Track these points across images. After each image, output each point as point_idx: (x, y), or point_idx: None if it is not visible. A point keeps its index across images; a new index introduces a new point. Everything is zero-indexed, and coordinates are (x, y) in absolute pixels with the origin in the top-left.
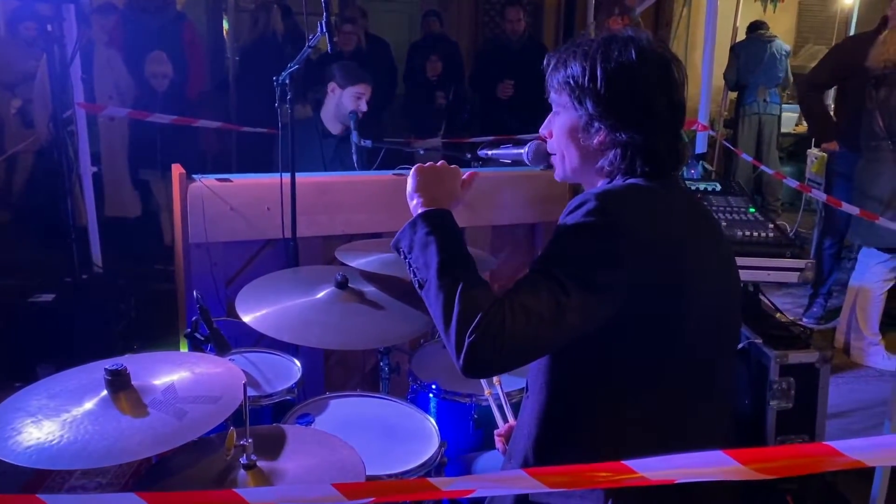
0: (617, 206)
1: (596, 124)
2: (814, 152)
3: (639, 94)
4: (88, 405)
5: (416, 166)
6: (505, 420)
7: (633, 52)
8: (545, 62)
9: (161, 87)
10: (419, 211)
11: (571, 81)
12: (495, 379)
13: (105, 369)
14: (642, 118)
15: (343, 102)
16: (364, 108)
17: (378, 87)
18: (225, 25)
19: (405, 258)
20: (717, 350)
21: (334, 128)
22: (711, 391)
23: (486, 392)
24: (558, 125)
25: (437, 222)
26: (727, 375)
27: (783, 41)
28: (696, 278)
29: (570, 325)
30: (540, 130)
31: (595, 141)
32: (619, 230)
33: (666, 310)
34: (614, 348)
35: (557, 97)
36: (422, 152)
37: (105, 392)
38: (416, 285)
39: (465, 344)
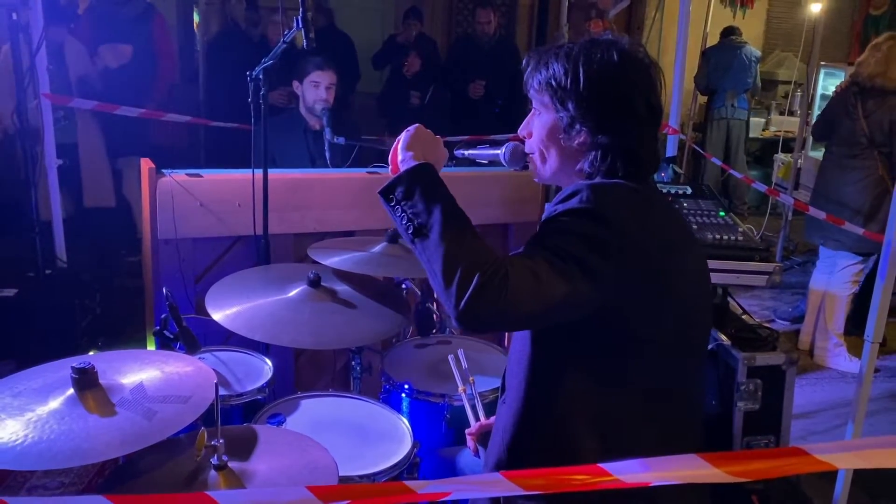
0: (608, 200)
1: (577, 126)
2: (781, 157)
3: (620, 97)
4: (54, 404)
5: (417, 125)
6: (477, 419)
7: (615, 55)
8: (524, 62)
9: (98, 66)
10: (419, 162)
11: (553, 82)
12: (470, 378)
13: (72, 367)
14: (623, 120)
15: (306, 95)
16: (323, 94)
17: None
18: (195, 18)
19: (399, 204)
20: (690, 351)
21: (313, 123)
22: (685, 391)
23: (460, 389)
24: (538, 126)
25: (438, 177)
26: (699, 376)
27: (752, 47)
28: (677, 279)
29: (562, 293)
30: (519, 131)
31: (576, 142)
32: (610, 224)
33: (646, 309)
34: (593, 344)
35: (538, 97)
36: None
37: (71, 391)
38: (410, 231)
39: (471, 288)
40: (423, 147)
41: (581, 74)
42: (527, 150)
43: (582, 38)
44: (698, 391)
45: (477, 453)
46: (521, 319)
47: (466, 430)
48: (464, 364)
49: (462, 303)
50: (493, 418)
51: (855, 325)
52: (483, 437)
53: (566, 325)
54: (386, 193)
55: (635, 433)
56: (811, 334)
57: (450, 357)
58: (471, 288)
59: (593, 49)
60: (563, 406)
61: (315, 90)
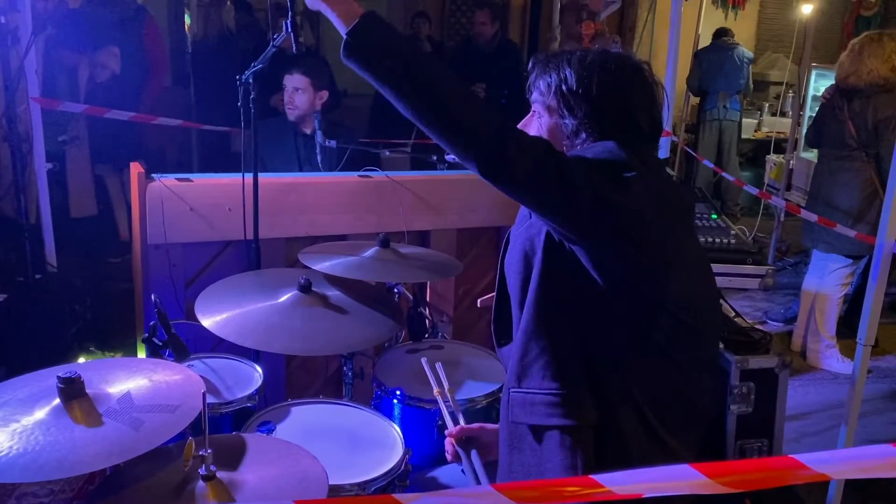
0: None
1: (582, 134)
2: (773, 158)
3: (629, 110)
4: (40, 414)
5: None
6: (455, 423)
7: (628, 67)
8: (531, 64)
9: (100, 78)
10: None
11: (564, 87)
12: (448, 388)
13: (58, 377)
14: (627, 131)
15: (298, 100)
16: (296, 98)
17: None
18: (187, 20)
19: (378, 57)
20: (703, 325)
21: (306, 126)
22: (702, 361)
23: (436, 392)
24: (542, 129)
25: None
26: (713, 355)
27: (744, 48)
28: (680, 263)
29: (578, 183)
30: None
31: (579, 148)
32: (630, 188)
33: (649, 286)
34: (598, 322)
35: (543, 100)
36: (387, 153)
37: (57, 401)
38: (397, 78)
39: (503, 134)
40: None
41: (595, 83)
42: None
43: (595, 46)
44: (712, 375)
45: (457, 459)
46: (535, 184)
47: (447, 432)
48: (440, 371)
49: (494, 146)
50: (476, 425)
51: (846, 326)
52: (465, 442)
53: (574, 302)
54: (362, 47)
55: (646, 414)
56: (803, 336)
57: (423, 360)
58: (502, 135)
59: (608, 59)
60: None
61: (292, 95)
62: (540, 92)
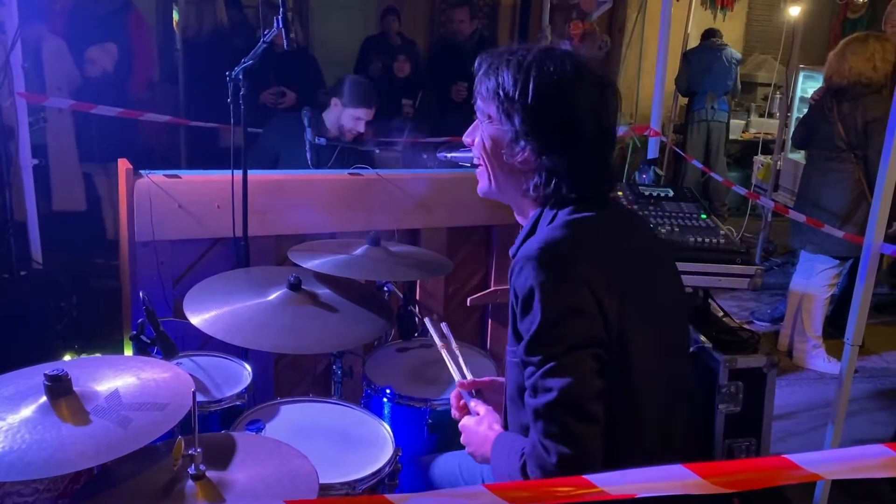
0: (559, 262)
1: (521, 142)
2: (760, 159)
3: (569, 115)
4: (26, 412)
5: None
6: (463, 375)
7: (569, 68)
8: (476, 65)
9: (92, 73)
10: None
11: (501, 93)
12: (453, 344)
13: (45, 374)
14: (568, 142)
15: (343, 121)
16: (361, 129)
17: (308, 88)
18: (175, 16)
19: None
20: (664, 354)
21: (337, 134)
22: (662, 402)
23: (440, 346)
24: (483, 136)
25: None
26: (680, 378)
27: (733, 49)
28: (650, 295)
29: (598, 383)
30: (463, 137)
31: (519, 159)
32: (570, 290)
33: (629, 326)
34: None
35: (484, 106)
36: (377, 151)
37: (44, 398)
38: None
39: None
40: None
41: (531, 86)
42: (473, 161)
43: (537, 44)
44: (682, 391)
45: (464, 411)
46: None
47: (458, 381)
48: (446, 330)
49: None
50: (487, 378)
51: (833, 326)
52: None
53: None
54: None
55: (628, 435)
56: (790, 336)
57: (426, 320)
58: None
59: (547, 60)
60: None
61: (356, 122)
62: (482, 97)
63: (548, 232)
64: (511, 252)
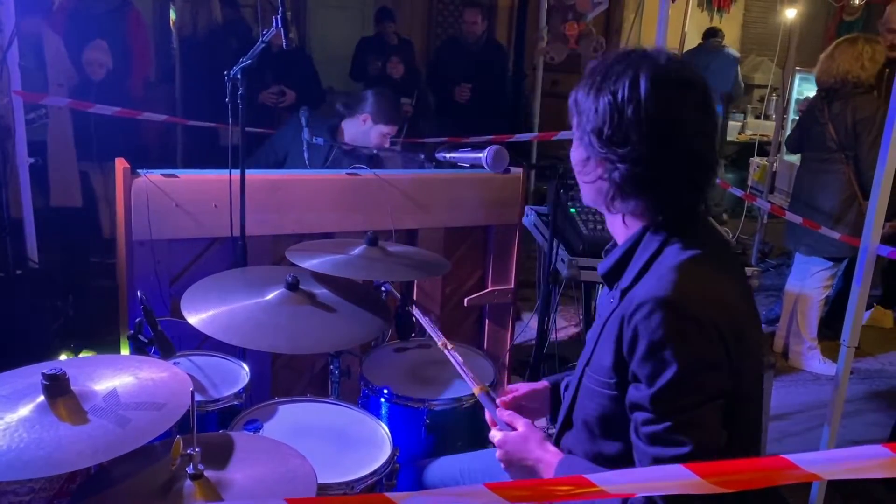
0: (690, 306)
1: (625, 165)
2: (756, 161)
3: (677, 152)
4: (23, 412)
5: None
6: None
7: (686, 97)
8: (583, 81)
9: (97, 76)
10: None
11: (603, 124)
12: (451, 344)
13: (42, 374)
14: (678, 164)
15: (370, 136)
16: (387, 145)
17: (304, 87)
18: (172, 15)
19: None
20: (759, 375)
21: (360, 145)
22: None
23: (441, 344)
24: (581, 157)
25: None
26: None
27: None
28: (750, 335)
29: (724, 434)
30: (571, 156)
31: (618, 179)
32: (708, 348)
33: (736, 370)
34: None
35: (579, 125)
36: (375, 152)
37: (42, 398)
38: None
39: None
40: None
41: (643, 115)
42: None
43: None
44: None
45: (507, 427)
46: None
47: (499, 400)
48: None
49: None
50: (525, 388)
51: (828, 328)
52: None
53: None
54: None
55: None
56: (785, 337)
57: (416, 311)
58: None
59: (657, 81)
60: None
61: (383, 139)
62: (576, 113)
63: (675, 275)
64: (623, 285)
